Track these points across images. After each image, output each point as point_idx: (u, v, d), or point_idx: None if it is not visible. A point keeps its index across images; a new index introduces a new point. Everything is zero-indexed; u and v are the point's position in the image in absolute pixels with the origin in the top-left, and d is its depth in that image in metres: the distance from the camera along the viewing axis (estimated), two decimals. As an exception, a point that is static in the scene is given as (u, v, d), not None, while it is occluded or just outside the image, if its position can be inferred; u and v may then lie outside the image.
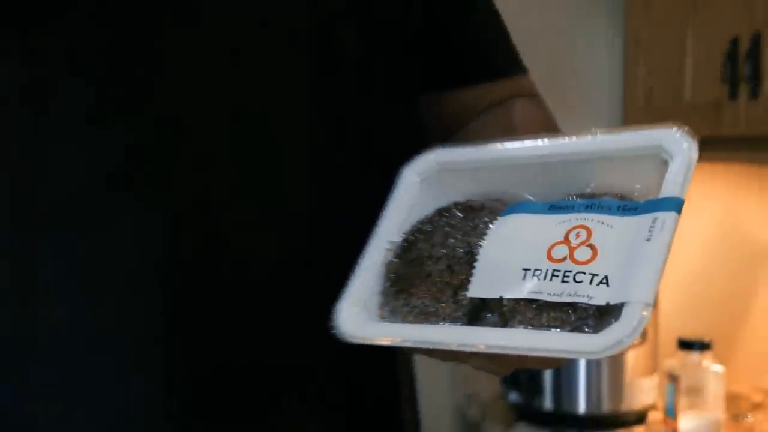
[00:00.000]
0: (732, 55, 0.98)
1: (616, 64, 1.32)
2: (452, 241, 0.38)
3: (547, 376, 1.19)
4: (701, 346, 1.19)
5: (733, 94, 0.99)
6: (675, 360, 1.21)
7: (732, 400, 1.26)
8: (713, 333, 1.23)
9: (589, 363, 1.17)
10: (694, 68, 1.09)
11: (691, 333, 1.23)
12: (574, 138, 0.39)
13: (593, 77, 1.36)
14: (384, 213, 0.41)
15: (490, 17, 0.56)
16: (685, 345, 1.20)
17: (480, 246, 0.37)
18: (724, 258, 1.34)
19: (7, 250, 0.43)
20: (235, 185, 0.44)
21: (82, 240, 0.42)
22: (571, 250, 0.34)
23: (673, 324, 1.30)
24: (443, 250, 0.38)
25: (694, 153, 0.35)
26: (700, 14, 1.08)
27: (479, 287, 0.36)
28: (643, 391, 1.21)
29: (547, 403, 1.21)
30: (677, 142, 0.35)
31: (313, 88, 0.47)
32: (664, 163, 0.35)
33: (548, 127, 0.54)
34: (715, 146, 1.10)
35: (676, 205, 0.33)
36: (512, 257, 0.36)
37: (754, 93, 0.96)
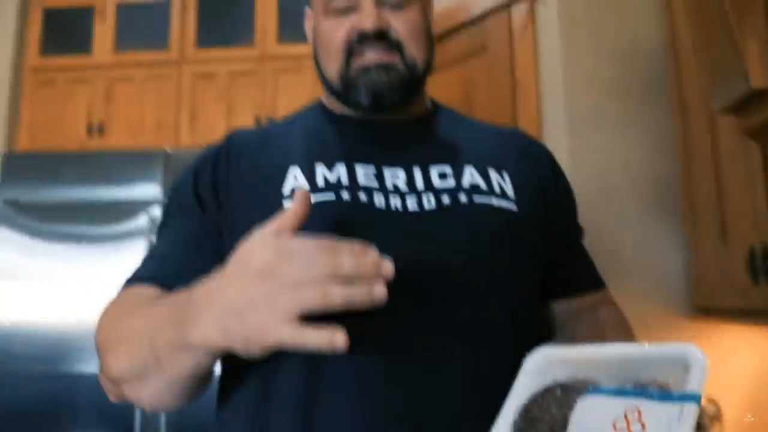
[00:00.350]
0: (752, 257, 1.32)
1: (683, 266, 1.74)
2: (554, 410, 0.58)
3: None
4: None
5: (756, 281, 1.31)
6: None
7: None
8: None
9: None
10: (729, 264, 1.45)
11: None
12: (633, 346, 0.61)
13: (667, 270, 1.74)
14: (513, 388, 0.62)
15: (583, 249, 0.92)
16: None
17: (571, 414, 0.57)
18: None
19: None
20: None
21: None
22: (628, 423, 0.53)
23: None
24: (547, 416, 0.58)
25: (707, 362, 0.54)
26: (729, 228, 1.46)
27: None
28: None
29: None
30: (698, 356, 0.54)
31: (505, 285, 0.76)
32: (687, 368, 0.54)
33: (622, 325, 0.86)
34: (748, 314, 1.42)
35: (696, 398, 0.52)
36: (591, 426, 0.55)
37: None
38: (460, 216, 0.76)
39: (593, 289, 0.89)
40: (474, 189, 0.78)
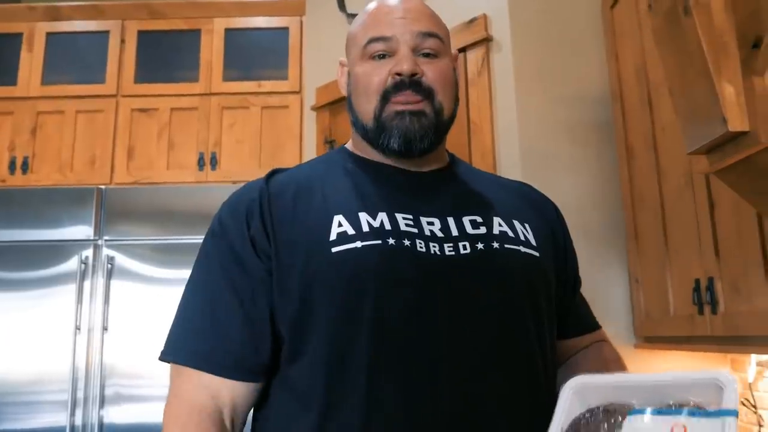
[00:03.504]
0: (697, 288, 1.45)
1: (625, 295, 1.86)
2: (604, 429, 0.64)
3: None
4: None
5: (701, 311, 1.44)
6: None
7: None
8: None
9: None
10: (674, 295, 1.59)
11: None
12: (664, 373, 0.66)
13: (612, 303, 1.85)
14: (555, 413, 0.68)
15: (582, 296, 1.01)
16: None
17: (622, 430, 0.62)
18: None
19: None
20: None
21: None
22: None
23: None
24: (599, 427, 0.64)
25: (737, 385, 0.60)
26: (673, 263, 1.58)
27: None
28: None
29: None
30: (729, 378, 0.60)
31: (535, 319, 0.83)
32: (720, 389, 0.60)
33: (620, 360, 0.95)
34: (694, 341, 1.54)
35: (735, 413, 0.58)
36: None
37: (714, 311, 1.39)
38: (495, 259, 0.83)
39: (593, 330, 0.99)
40: (504, 237, 0.85)
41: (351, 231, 0.80)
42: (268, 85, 2.68)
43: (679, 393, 0.63)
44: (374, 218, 0.82)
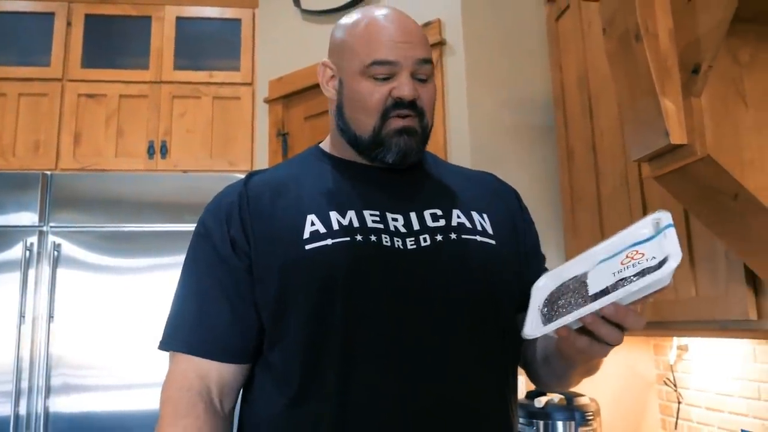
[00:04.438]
0: None
1: None
2: (572, 284, 0.79)
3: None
4: None
5: None
6: None
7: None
8: (626, 429, 1.69)
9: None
10: None
11: (619, 430, 1.67)
12: (613, 235, 0.81)
13: None
14: (530, 300, 0.85)
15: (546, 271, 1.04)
16: None
17: (587, 279, 0.78)
18: (629, 387, 1.97)
19: None
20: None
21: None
22: (631, 258, 0.74)
23: (609, 426, 1.67)
24: (567, 292, 0.78)
25: (670, 213, 0.76)
26: None
27: (597, 287, 0.74)
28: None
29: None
30: (660, 212, 0.77)
31: (493, 302, 0.93)
32: (657, 221, 0.76)
33: None
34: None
35: (671, 225, 0.74)
36: (606, 272, 0.76)
37: None
38: (452, 248, 0.92)
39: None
40: (461, 228, 0.95)
41: (323, 229, 0.89)
42: (220, 76, 2.69)
43: (629, 238, 0.77)
44: (344, 216, 0.91)
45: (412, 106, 0.93)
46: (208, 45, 2.77)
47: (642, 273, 0.70)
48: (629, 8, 1.05)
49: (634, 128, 1.09)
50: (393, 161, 0.94)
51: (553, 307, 0.78)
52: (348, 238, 0.88)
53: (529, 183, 2.02)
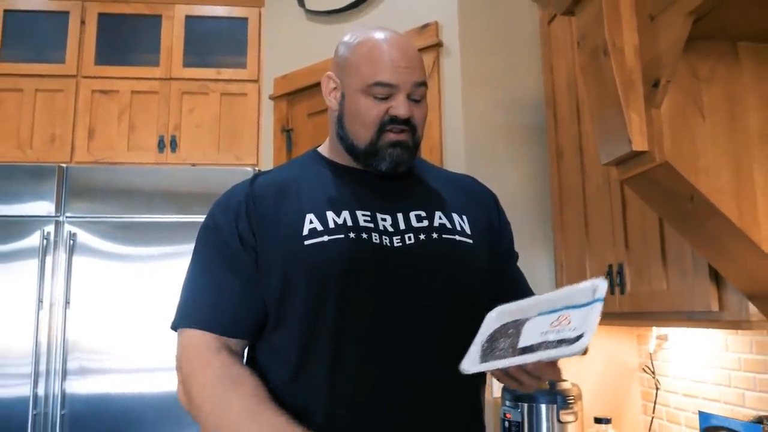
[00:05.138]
0: (610, 272, 1.71)
1: (551, 276, 2.10)
2: (511, 330, 0.89)
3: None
4: (607, 421, 1.79)
5: (612, 292, 1.70)
6: (594, 430, 1.74)
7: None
8: (608, 413, 1.84)
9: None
10: (591, 278, 1.83)
11: (598, 413, 1.83)
12: (557, 290, 0.92)
13: (539, 285, 2.09)
14: (479, 332, 0.94)
15: (518, 269, 1.22)
16: (598, 421, 1.80)
17: (522, 328, 0.88)
18: (613, 374, 2.09)
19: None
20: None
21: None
22: (560, 322, 0.84)
23: (589, 409, 1.83)
24: (505, 337, 0.88)
25: (606, 283, 0.87)
26: (591, 251, 1.85)
27: (525, 341, 0.85)
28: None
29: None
30: (600, 281, 0.86)
31: (469, 297, 1.05)
32: (595, 289, 0.86)
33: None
34: (605, 317, 1.81)
35: (601, 299, 0.84)
36: (538, 328, 0.86)
37: (623, 292, 1.65)
38: (434, 247, 1.04)
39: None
40: (442, 228, 1.06)
41: (320, 227, 1.01)
42: (227, 73, 2.79)
43: (568, 299, 0.88)
44: (338, 216, 1.02)
45: (406, 122, 1.04)
46: (216, 43, 2.87)
47: (561, 342, 0.81)
48: (599, 25, 1.14)
49: (602, 135, 1.19)
50: (386, 170, 1.06)
51: (491, 346, 0.89)
52: (342, 235, 1.00)
53: (520, 180, 2.12)
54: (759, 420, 1.28)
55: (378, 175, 1.08)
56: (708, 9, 1.00)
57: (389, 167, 1.06)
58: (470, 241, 1.07)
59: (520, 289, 1.15)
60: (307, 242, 0.99)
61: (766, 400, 1.54)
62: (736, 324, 1.30)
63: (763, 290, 1.19)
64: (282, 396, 0.98)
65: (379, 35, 1.07)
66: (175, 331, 1.05)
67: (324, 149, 1.16)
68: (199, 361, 0.98)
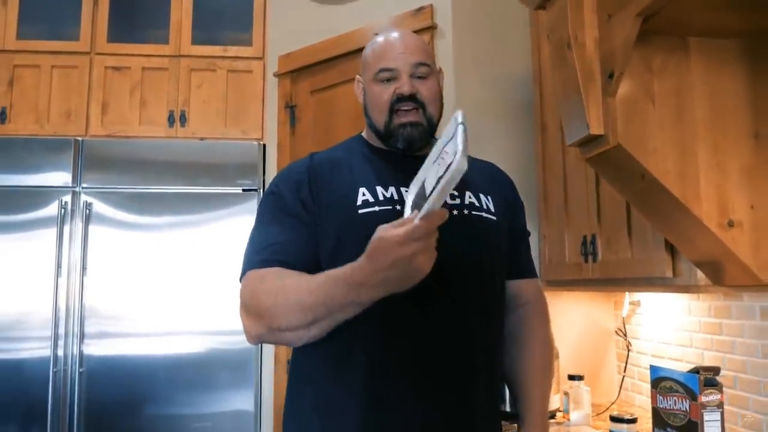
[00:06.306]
0: (584, 242, 1.88)
1: (535, 246, 2.16)
2: (420, 190, 0.95)
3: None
4: (579, 378, 1.92)
5: (585, 260, 1.86)
6: (567, 385, 1.89)
7: (594, 406, 1.94)
8: (585, 371, 1.99)
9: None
10: (569, 248, 2.01)
11: (574, 371, 1.99)
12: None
13: None
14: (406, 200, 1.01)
15: (528, 246, 1.34)
16: (572, 377, 1.92)
17: (425, 182, 0.94)
18: (590, 336, 2.21)
19: None
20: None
21: None
22: (443, 159, 0.89)
23: (565, 368, 1.99)
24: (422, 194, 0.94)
25: (462, 112, 0.93)
26: (570, 222, 2.01)
27: (429, 187, 0.90)
28: (553, 401, 1.83)
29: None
30: (457, 113, 0.92)
31: (495, 265, 1.19)
32: (456, 118, 0.91)
33: (544, 314, 1.33)
34: (580, 283, 1.95)
35: (464, 124, 0.89)
36: (432, 176, 0.91)
37: (595, 260, 1.82)
38: (466, 223, 1.17)
39: (529, 277, 1.32)
40: (472, 206, 1.20)
41: (371, 199, 1.14)
42: (233, 50, 2.92)
43: (442, 139, 0.94)
44: (386, 190, 1.15)
45: (412, 99, 1.17)
46: (224, 19, 2.98)
47: (447, 170, 0.86)
48: (565, 21, 1.27)
49: (567, 119, 1.32)
50: (403, 148, 1.19)
51: (418, 204, 0.95)
52: (390, 207, 1.13)
53: (508, 152, 2.26)
54: (695, 371, 1.44)
55: (412, 156, 1.19)
56: (655, 10, 1.13)
57: (404, 145, 1.19)
58: (494, 218, 1.21)
59: (523, 267, 1.30)
60: (360, 211, 1.12)
61: (720, 358, 1.70)
62: (687, 288, 1.45)
63: (707, 258, 1.34)
64: (327, 343, 1.07)
65: (386, 34, 1.23)
66: (241, 282, 1.14)
67: (365, 134, 1.30)
68: (257, 282, 1.08)
